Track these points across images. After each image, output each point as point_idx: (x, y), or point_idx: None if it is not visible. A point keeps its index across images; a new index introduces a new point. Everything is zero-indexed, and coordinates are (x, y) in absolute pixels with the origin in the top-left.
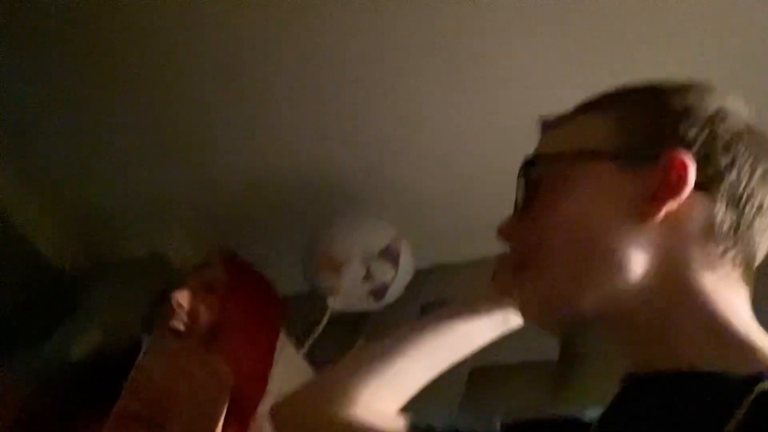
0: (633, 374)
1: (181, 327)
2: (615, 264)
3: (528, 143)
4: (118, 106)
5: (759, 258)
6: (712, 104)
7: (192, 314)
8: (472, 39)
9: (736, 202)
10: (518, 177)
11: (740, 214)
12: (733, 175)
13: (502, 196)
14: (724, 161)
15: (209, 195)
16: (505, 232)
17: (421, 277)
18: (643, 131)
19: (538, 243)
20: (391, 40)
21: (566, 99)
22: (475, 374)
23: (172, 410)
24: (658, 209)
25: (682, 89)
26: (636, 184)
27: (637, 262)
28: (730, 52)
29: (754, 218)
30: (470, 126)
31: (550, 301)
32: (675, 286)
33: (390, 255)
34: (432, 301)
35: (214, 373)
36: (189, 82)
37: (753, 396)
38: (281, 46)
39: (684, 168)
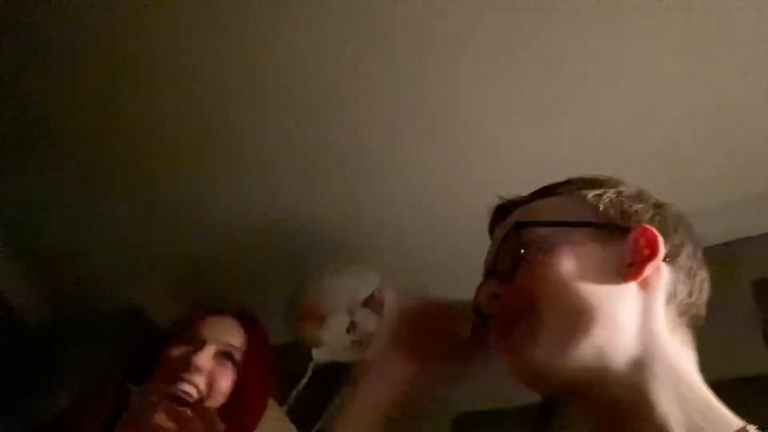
0: None
1: (194, 394)
2: (608, 321)
3: (509, 191)
4: (95, 159)
5: (699, 325)
6: (650, 193)
7: (208, 380)
8: (456, 87)
9: (689, 274)
10: (506, 240)
11: (692, 285)
12: (686, 250)
13: (485, 242)
14: (677, 239)
15: (188, 244)
16: (488, 298)
17: None
18: (612, 209)
19: (536, 301)
20: (377, 89)
21: (545, 148)
22: (461, 420)
23: None
24: (640, 272)
25: (624, 180)
26: (616, 251)
27: (624, 320)
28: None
29: (701, 289)
30: (454, 174)
31: (547, 356)
32: (650, 345)
33: (374, 304)
34: None
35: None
36: (170, 133)
37: None
38: (265, 95)
39: (655, 238)
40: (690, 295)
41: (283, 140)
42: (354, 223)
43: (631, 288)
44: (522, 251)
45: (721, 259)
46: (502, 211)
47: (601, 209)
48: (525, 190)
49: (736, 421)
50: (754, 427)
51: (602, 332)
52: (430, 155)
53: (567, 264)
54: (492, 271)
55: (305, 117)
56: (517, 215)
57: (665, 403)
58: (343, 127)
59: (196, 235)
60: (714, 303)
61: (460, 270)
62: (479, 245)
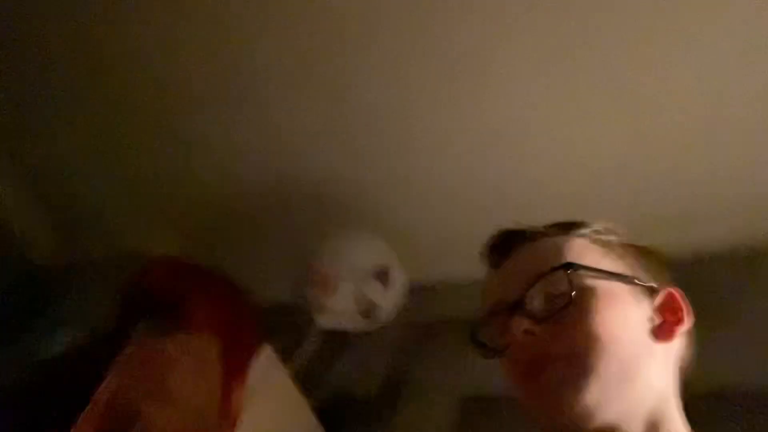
0: None
1: None
2: (644, 375)
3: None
4: (114, 104)
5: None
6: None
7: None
8: (472, 53)
9: (691, 341)
10: (554, 279)
11: (692, 352)
12: (690, 321)
13: (497, 217)
14: (688, 308)
15: (200, 196)
16: (522, 335)
17: (412, 297)
18: (638, 265)
19: (585, 347)
20: (393, 55)
21: (554, 120)
22: (468, 404)
23: (160, 398)
24: (673, 333)
25: (640, 241)
26: (645, 308)
27: (655, 377)
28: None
29: (694, 357)
30: (468, 146)
31: (594, 402)
32: (665, 406)
33: (383, 276)
34: (423, 321)
35: (203, 360)
36: (188, 85)
37: None
38: (283, 54)
39: (684, 303)
40: (690, 361)
41: (305, 101)
42: (368, 191)
43: (658, 347)
44: (573, 294)
45: None
46: (520, 238)
47: (629, 262)
48: (545, 173)
49: None
50: None
51: (640, 386)
52: (450, 126)
53: (616, 315)
54: (517, 305)
55: (326, 80)
56: (563, 254)
57: None
58: (362, 91)
59: (210, 187)
60: None
61: (469, 243)
62: (490, 218)
